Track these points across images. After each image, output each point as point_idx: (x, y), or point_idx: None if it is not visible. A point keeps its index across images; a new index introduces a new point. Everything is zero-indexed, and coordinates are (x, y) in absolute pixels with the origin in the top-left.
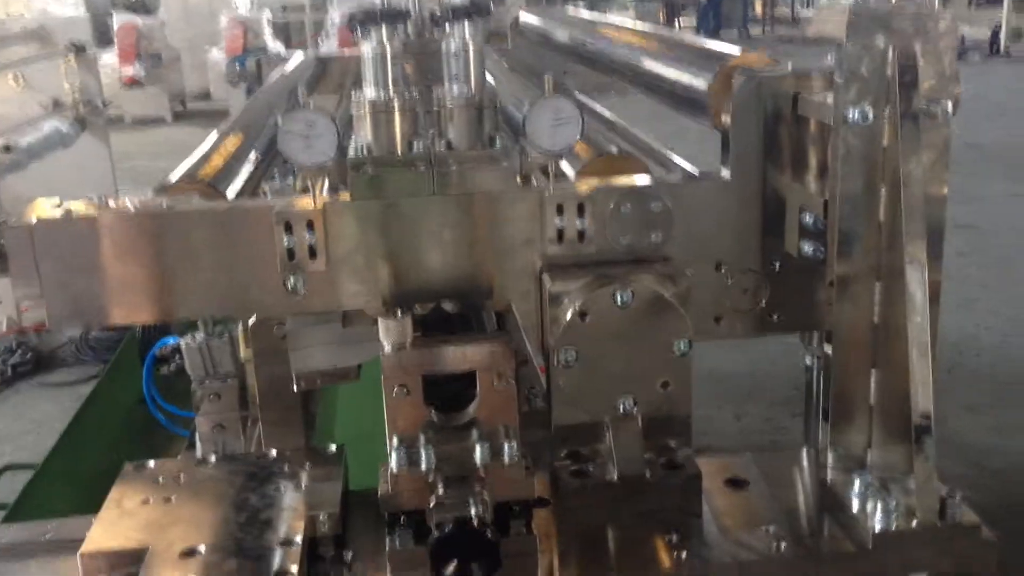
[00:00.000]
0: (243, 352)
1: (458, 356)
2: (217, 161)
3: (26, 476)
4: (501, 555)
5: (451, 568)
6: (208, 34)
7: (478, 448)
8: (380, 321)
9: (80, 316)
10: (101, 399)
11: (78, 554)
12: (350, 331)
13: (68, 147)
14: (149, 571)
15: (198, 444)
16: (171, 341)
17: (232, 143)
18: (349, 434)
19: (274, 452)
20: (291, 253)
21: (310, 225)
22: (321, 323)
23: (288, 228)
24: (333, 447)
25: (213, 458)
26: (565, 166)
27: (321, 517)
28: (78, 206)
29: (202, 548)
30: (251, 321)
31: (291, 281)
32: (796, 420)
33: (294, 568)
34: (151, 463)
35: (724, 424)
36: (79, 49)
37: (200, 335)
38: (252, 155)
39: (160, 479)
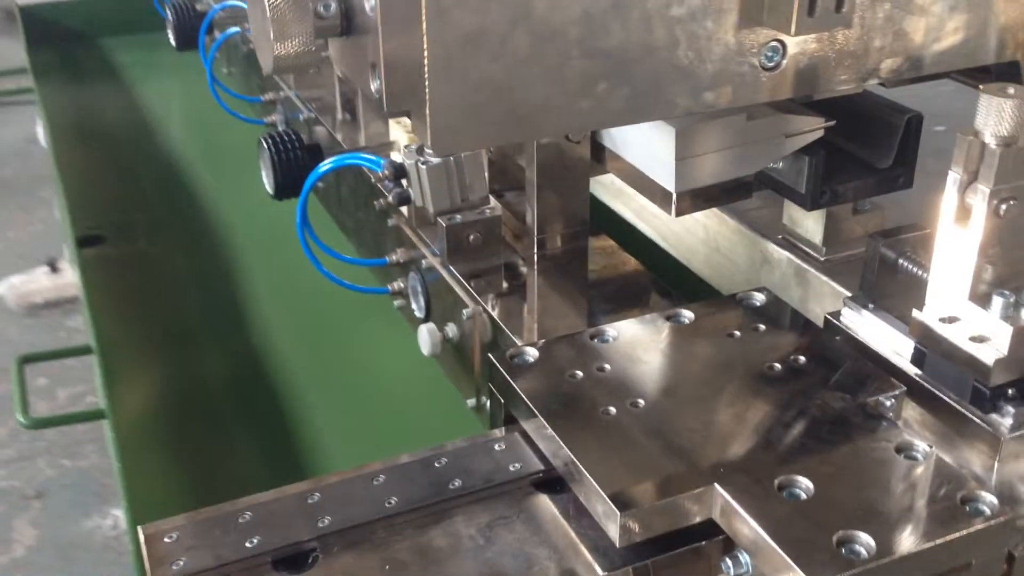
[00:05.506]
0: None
1: None
2: None
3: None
4: None
5: None
6: None
7: None
8: (984, 98)
9: (476, 129)
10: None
11: (590, 485)
12: (754, 126)
13: None
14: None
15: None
16: (333, 165)
17: None
18: None
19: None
20: (813, 6)
21: None
22: (718, 118)
23: None
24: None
25: (612, 333)
26: None
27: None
28: None
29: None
30: None
31: (772, 52)
32: None
33: None
34: (528, 351)
35: None
36: None
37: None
38: None
39: (576, 375)
